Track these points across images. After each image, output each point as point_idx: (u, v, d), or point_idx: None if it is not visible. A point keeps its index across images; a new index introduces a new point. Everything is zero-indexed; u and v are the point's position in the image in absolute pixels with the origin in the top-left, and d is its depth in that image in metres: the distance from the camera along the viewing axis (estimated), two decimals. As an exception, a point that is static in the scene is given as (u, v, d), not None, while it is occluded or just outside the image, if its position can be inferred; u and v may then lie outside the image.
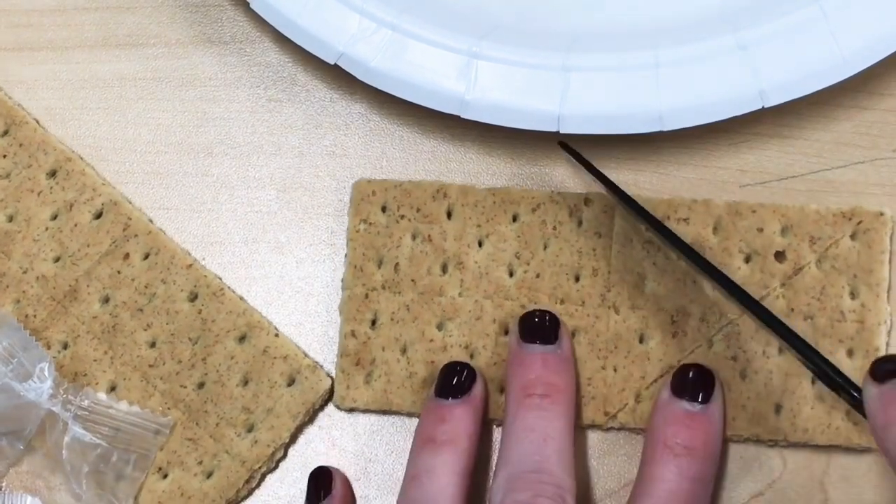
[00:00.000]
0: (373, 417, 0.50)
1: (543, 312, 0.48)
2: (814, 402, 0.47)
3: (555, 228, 0.50)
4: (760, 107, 0.47)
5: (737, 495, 0.48)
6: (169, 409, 0.50)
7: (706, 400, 0.47)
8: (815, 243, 0.48)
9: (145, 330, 0.50)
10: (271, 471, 0.50)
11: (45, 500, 0.50)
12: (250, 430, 0.49)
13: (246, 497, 0.50)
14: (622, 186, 0.50)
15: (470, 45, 0.49)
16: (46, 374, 0.49)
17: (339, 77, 0.51)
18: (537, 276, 0.49)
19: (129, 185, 0.52)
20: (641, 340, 0.49)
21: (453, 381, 0.48)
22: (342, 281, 0.50)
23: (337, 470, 0.50)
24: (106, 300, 0.51)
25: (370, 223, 0.50)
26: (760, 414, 0.48)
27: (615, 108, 0.48)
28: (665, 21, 0.50)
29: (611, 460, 0.49)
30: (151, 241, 0.51)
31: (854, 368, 0.47)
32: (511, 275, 0.50)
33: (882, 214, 0.48)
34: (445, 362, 0.49)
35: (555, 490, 0.45)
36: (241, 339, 0.50)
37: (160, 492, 0.49)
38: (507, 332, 0.49)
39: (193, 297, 0.51)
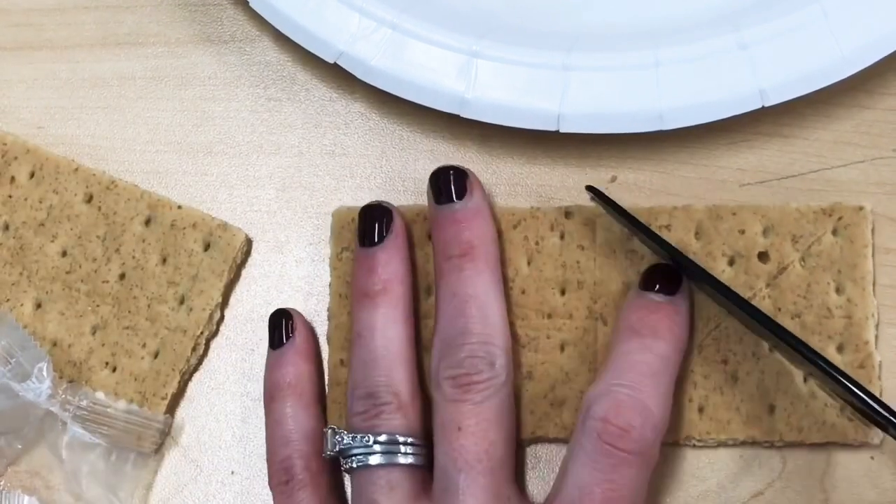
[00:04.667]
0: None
1: (449, 168, 0.48)
2: (807, 401, 0.47)
3: (537, 244, 0.49)
4: (760, 106, 0.47)
5: (737, 495, 0.48)
6: (98, 306, 0.51)
7: (672, 293, 0.47)
8: (798, 242, 0.48)
9: (52, 242, 0.51)
10: (214, 336, 0.51)
11: (43, 500, 0.50)
12: (182, 301, 0.50)
13: (197, 366, 0.51)
14: (623, 186, 0.50)
15: (470, 45, 0.49)
16: (45, 374, 0.49)
17: (338, 76, 0.51)
18: (523, 292, 0.49)
19: (128, 185, 0.52)
20: (631, 350, 0.48)
21: (373, 226, 0.48)
22: (328, 310, 0.50)
23: (296, 311, 0.50)
24: (6, 227, 0.51)
25: (352, 251, 0.50)
26: (755, 416, 0.47)
27: (615, 107, 0.48)
28: (665, 20, 0.50)
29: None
30: (33, 158, 0.52)
31: (844, 364, 0.47)
32: (496, 293, 0.49)
33: (862, 209, 0.48)
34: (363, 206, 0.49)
35: (482, 347, 0.45)
36: (147, 221, 0.51)
37: (114, 384, 0.50)
38: None
39: (89, 198, 0.51)
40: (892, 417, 0.42)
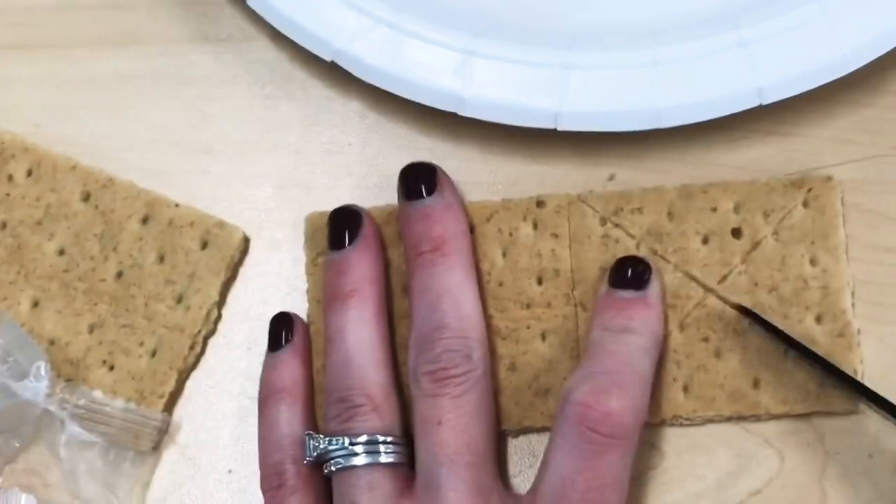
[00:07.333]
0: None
1: (418, 164, 0.49)
2: (791, 373, 0.47)
3: (511, 235, 0.49)
4: (759, 104, 0.47)
5: (735, 493, 0.48)
6: (95, 304, 0.51)
7: (641, 288, 0.47)
8: (769, 216, 0.48)
9: (49, 240, 0.51)
10: (212, 334, 0.51)
11: (41, 498, 0.50)
12: (179, 299, 0.50)
13: (195, 365, 0.51)
14: (622, 185, 0.50)
15: (467, 43, 0.49)
16: (42, 372, 0.49)
17: (335, 75, 0.51)
18: (500, 284, 0.49)
19: (126, 183, 0.52)
20: (612, 334, 0.48)
21: (342, 230, 0.48)
22: (307, 316, 0.50)
23: (296, 314, 0.50)
24: (3, 225, 0.52)
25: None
26: (739, 391, 0.47)
27: (614, 105, 0.48)
28: (664, 18, 0.50)
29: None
30: (30, 156, 0.52)
31: (824, 333, 0.47)
32: (474, 287, 0.49)
33: (830, 178, 0.48)
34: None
35: (459, 341, 0.46)
36: (144, 220, 0.51)
37: (111, 382, 0.50)
38: None
39: (86, 196, 0.51)
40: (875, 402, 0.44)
